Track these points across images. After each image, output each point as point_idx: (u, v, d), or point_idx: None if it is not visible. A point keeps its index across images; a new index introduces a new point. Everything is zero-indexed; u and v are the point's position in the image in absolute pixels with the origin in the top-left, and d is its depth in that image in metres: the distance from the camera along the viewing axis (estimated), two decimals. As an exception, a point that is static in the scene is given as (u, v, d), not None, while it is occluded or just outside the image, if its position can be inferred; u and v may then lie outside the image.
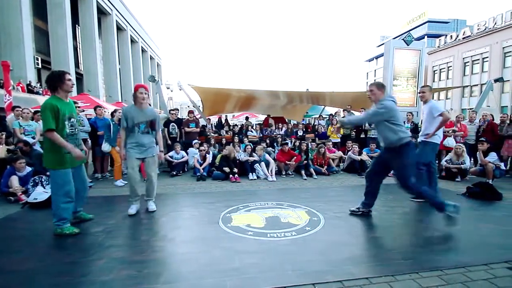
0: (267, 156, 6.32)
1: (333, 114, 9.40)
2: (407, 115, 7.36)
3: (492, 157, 5.36)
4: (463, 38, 30.31)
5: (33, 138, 5.46)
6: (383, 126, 3.08)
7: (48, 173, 4.52)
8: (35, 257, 2.38)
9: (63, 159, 2.75)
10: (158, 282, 1.98)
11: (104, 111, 6.23)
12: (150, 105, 3.76)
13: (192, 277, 2.05)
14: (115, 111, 5.70)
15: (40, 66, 18.98)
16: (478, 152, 5.61)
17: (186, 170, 6.75)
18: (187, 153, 6.70)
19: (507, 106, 24.97)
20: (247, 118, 13.69)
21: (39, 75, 19.73)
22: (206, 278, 2.02)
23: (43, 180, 4.36)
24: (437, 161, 7.00)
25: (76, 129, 2.92)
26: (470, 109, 11.73)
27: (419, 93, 4.18)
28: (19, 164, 4.36)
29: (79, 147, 2.93)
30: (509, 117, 6.41)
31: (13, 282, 2.01)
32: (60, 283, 1.97)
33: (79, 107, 5.75)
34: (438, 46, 33.79)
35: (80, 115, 5.62)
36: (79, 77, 23.60)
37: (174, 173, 6.27)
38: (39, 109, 6.79)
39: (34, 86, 15.80)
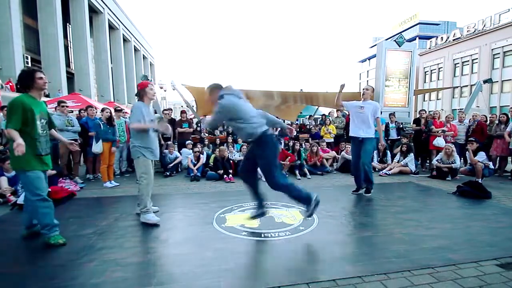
0: (261, 156, 6.31)
1: (327, 114, 9.46)
2: (390, 117, 7.46)
3: (481, 156, 5.46)
4: (453, 40, 30.90)
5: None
6: (233, 125, 2.82)
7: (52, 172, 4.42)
8: (23, 260, 2.32)
9: (32, 160, 2.55)
10: (150, 284, 1.95)
11: (95, 111, 6.14)
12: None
13: (185, 278, 2.03)
14: (103, 110, 5.61)
15: (29, 65, 18.61)
16: (467, 152, 5.72)
17: (179, 170, 6.70)
18: (180, 154, 6.66)
19: (496, 107, 25.53)
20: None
21: (28, 74, 19.30)
22: (199, 279, 2.01)
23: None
24: (428, 161, 7.15)
25: (45, 131, 2.72)
26: (461, 109, 11.93)
27: (363, 89, 4.41)
28: (7, 164, 4.26)
29: (48, 150, 2.73)
30: (498, 117, 6.55)
31: (1, 286, 1.96)
32: (50, 287, 1.93)
33: (67, 106, 5.62)
34: (429, 48, 34.35)
35: (69, 115, 5.50)
36: (70, 76, 23.23)
37: (168, 173, 6.22)
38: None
39: (24, 86, 15.46)
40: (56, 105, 5.61)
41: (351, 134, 4.43)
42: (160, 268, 2.20)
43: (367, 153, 4.31)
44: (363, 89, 4.42)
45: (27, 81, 2.56)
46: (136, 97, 3.35)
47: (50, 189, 3.96)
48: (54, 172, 4.52)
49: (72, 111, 7.21)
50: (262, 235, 2.82)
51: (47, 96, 16.27)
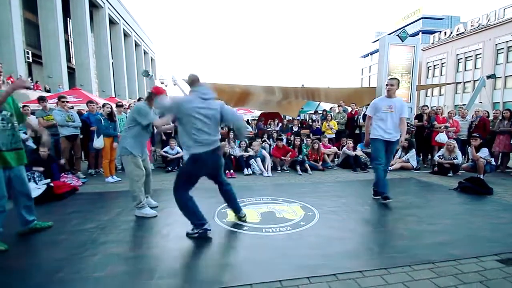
0: (263, 151, 6.32)
1: (328, 110, 9.43)
2: None
3: (483, 152, 5.44)
4: (457, 35, 30.55)
5: (25, 133, 5.36)
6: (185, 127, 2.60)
7: (40, 169, 4.46)
8: (27, 254, 2.35)
9: None
10: (152, 277, 1.97)
11: (97, 107, 6.14)
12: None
13: (187, 272, 2.05)
14: (104, 105, 5.60)
15: (30, 60, 18.60)
16: (470, 148, 5.69)
17: (181, 165, 6.71)
18: (181, 149, 6.66)
19: (499, 102, 25.35)
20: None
21: (29, 69, 19.34)
22: (201, 273, 2.03)
23: (35, 176, 4.30)
24: (430, 156, 7.13)
25: (10, 124, 2.49)
26: (463, 105, 11.83)
27: (387, 85, 3.80)
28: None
29: (14, 145, 2.51)
30: (501, 113, 6.51)
31: (5, 280, 1.99)
32: (53, 280, 1.96)
33: (68, 101, 5.61)
34: (433, 43, 34.00)
35: (70, 111, 5.50)
36: (71, 71, 23.21)
37: (169, 168, 6.24)
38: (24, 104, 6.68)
39: (25, 81, 15.49)
40: (57, 100, 5.60)
41: (379, 137, 3.78)
42: (161, 262, 2.22)
43: (392, 155, 4.01)
44: (388, 84, 3.79)
45: None
46: (147, 95, 3.42)
47: (52, 184, 4.01)
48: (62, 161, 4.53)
49: (72, 107, 7.22)
50: (263, 230, 2.83)
51: (48, 91, 16.30)
